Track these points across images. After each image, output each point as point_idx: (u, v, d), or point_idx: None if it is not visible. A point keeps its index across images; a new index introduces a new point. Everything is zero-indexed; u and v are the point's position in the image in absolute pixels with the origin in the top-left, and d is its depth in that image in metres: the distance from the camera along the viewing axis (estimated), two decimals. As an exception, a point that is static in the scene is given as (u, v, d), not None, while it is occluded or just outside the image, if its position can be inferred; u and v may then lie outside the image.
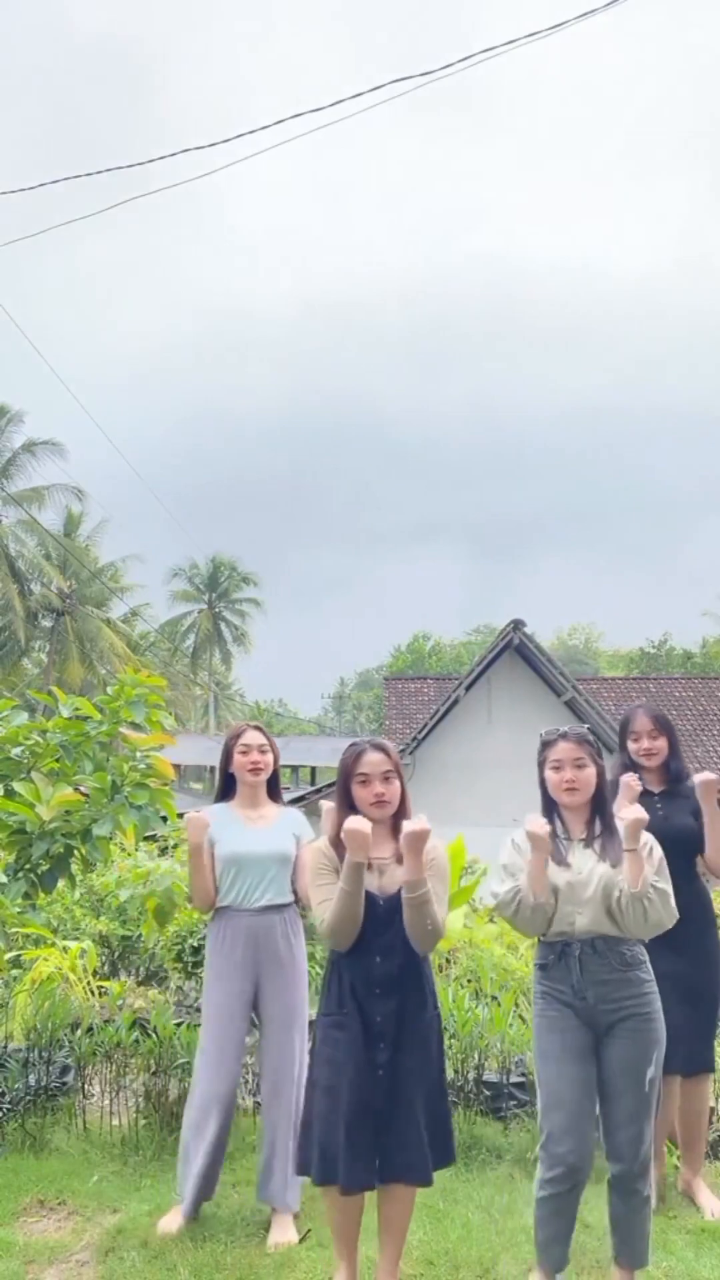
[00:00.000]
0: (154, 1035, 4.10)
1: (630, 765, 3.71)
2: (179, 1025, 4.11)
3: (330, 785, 15.81)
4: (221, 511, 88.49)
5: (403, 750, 15.69)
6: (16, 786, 4.30)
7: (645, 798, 3.59)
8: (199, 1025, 4.14)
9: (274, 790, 3.63)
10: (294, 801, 14.92)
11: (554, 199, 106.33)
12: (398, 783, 2.84)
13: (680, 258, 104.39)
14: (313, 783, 20.17)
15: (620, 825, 2.82)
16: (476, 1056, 4.17)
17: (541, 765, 2.99)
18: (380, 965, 2.73)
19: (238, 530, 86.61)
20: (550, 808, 2.98)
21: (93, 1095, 4.32)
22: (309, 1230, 3.24)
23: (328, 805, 2.96)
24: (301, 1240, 3.19)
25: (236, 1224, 3.30)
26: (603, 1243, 3.19)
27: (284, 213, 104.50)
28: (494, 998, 4.69)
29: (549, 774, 2.95)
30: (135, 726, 4.48)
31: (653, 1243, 2.90)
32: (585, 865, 2.83)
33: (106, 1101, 4.24)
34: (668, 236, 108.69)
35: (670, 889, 2.82)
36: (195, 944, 5.62)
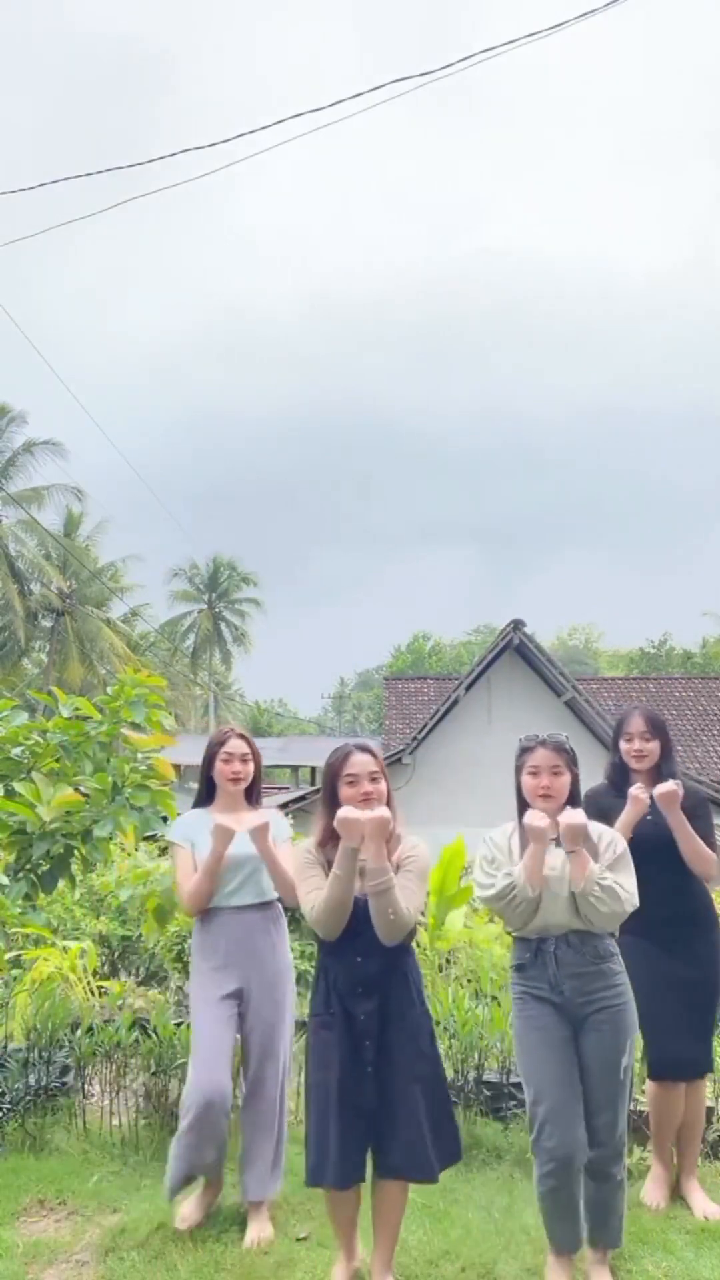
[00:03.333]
0: (154, 1035, 4.10)
1: (620, 765, 3.68)
2: (179, 1025, 4.10)
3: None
4: (222, 511, 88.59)
5: (403, 750, 15.70)
6: (17, 787, 4.31)
7: None
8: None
9: (253, 796, 3.64)
10: (292, 802, 14.92)
11: (558, 198, 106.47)
12: (384, 783, 2.89)
13: (687, 259, 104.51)
14: (313, 783, 20.16)
15: (560, 828, 2.86)
16: (476, 1056, 4.17)
17: (519, 770, 3.07)
18: (361, 965, 2.77)
19: (238, 530, 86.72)
20: (524, 810, 3.04)
21: (93, 1095, 4.31)
22: (309, 1232, 3.24)
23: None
24: (301, 1239, 3.19)
25: (236, 1224, 3.30)
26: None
27: (288, 212, 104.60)
28: (494, 998, 4.68)
29: (526, 779, 3.03)
30: (135, 727, 4.48)
31: (626, 1224, 2.99)
32: (558, 862, 2.93)
33: (106, 1101, 4.23)
34: (675, 236, 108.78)
35: (622, 883, 2.90)
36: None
